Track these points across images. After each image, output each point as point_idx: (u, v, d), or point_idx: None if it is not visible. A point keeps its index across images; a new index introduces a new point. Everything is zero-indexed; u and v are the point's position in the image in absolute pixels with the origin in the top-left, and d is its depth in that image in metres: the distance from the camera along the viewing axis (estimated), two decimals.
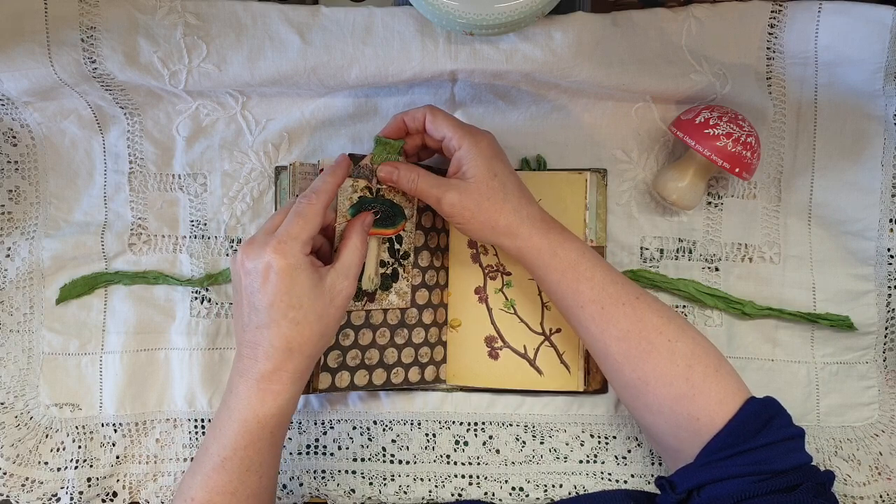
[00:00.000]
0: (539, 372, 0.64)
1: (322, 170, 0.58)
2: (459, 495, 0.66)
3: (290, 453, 0.66)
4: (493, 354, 0.65)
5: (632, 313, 0.54)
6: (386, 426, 0.66)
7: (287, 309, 0.50)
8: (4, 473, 0.63)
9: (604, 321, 0.54)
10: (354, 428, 0.66)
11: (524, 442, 0.66)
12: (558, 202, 0.63)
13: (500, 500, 0.66)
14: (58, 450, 0.64)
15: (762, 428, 0.51)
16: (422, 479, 0.66)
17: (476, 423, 0.67)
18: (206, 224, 0.66)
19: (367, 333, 0.61)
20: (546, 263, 0.56)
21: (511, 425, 0.66)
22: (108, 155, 0.66)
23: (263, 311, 0.51)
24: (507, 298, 0.65)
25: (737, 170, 0.58)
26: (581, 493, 0.66)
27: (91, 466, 0.64)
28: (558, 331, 0.64)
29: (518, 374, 0.64)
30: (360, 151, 0.61)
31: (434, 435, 0.66)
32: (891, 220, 0.65)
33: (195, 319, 0.66)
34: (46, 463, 0.64)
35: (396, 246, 0.61)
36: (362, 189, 0.59)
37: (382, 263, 0.61)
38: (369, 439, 0.66)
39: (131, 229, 0.66)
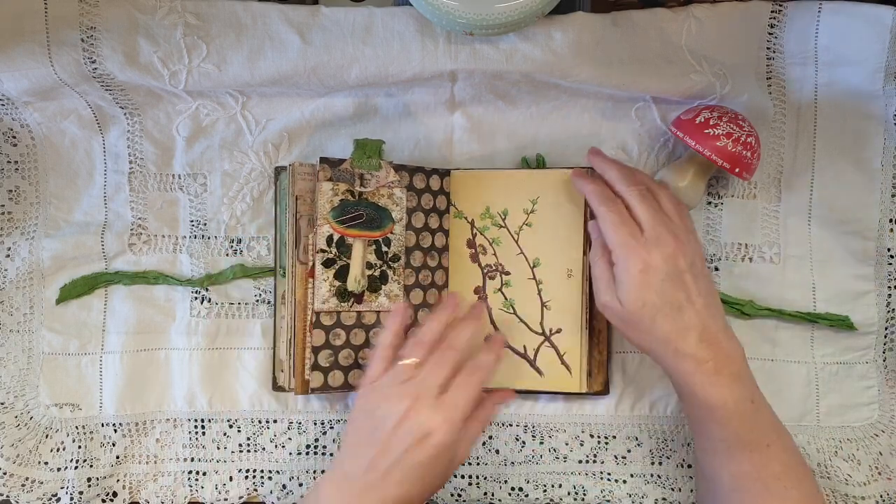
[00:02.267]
0: (539, 373, 0.64)
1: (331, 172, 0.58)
2: (459, 496, 0.66)
3: (290, 453, 0.66)
4: None
5: (757, 459, 0.53)
6: None
7: (418, 477, 0.50)
8: (4, 473, 0.63)
9: (726, 457, 0.54)
10: None
11: (524, 442, 0.66)
12: (556, 200, 0.63)
13: (500, 500, 0.66)
14: (58, 450, 0.64)
15: None
16: None
17: None
18: (206, 224, 0.66)
19: (360, 333, 0.61)
20: (682, 396, 0.56)
21: (511, 425, 0.66)
22: (108, 155, 0.66)
23: (393, 467, 0.50)
24: (506, 298, 0.65)
25: (737, 170, 0.58)
26: (580, 492, 0.66)
27: (91, 466, 0.64)
28: (559, 331, 0.64)
29: (518, 375, 0.64)
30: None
31: None
32: (891, 220, 0.65)
33: (195, 319, 0.66)
34: (46, 463, 0.64)
35: (384, 248, 0.61)
36: (343, 192, 0.60)
37: (369, 265, 0.61)
38: None
39: (131, 229, 0.66)
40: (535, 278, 0.64)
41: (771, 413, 0.55)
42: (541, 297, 0.64)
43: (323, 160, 0.59)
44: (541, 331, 0.64)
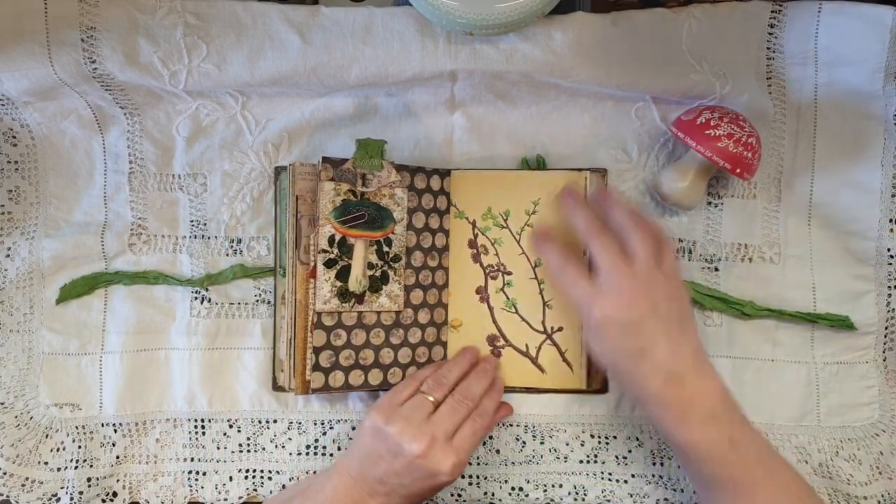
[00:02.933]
0: (541, 370, 0.64)
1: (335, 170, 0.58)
2: (459, 496, 0.66)
3: (290, 453, 0.66)
4: (496, 353, 0.65)
5: (741, 501, 0.52)
6: None
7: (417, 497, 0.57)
8: (4, 473, 0.63)
9: (706, 493, 0.55)
10: (354, 428, 0.66)
11: (524, 442, 0.66)
12: (557, 201, 0.63)
13: (500, 500, 0.66)
14: (58, 450, 0.64)
15: None
16: None
17: None
18: (206, 224, 0.66)
19: (360, 334, 0.61)
20: (657, 416, 0.55)
21: (511, 425, 0.66)
22: (108, 155, 0.66)
23: (402, 487, 0.56)
24: (508, 298, 0.65)
25: (738, 170, 0.58)
26: (581, 493, 0.66)
27: (91, 466, 0.64)
28: (560, 329, 0.64)
29: (520, 373, 0.64)
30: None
31: None
32: (891, 220, 0.65)
33: (195, 319, 0.66)
34: (46, 463, 0.64)
35: (385, 248, 0.61)
36: (345, 192, 0.60)
37: (370, 266, 0.61)
38: None
39: (131, 229, 0.66)
40: (536, 278, 0.64)
41: (760, 449, 0.54)
42: (542, 297, 0.64)
43: (325, 160, 0.59)
44: (542, 329, 0.64)
